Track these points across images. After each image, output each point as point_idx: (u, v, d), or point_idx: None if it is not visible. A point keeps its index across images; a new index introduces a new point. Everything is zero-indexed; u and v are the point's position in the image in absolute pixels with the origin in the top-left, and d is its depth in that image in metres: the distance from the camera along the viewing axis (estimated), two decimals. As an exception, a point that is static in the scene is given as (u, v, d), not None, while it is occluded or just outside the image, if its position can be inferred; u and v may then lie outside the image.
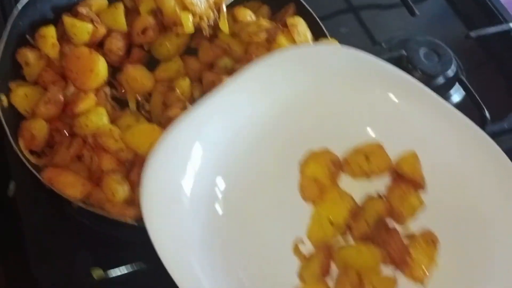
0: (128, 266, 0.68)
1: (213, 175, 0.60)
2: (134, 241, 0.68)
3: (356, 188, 0.63)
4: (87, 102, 0.71)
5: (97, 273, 0.67)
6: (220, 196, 0.60)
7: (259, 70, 0.63)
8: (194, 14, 0.76)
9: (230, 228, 0.58)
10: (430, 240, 0.58)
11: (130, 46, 0.80)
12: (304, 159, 0.64)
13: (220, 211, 0.59)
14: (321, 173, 0.62)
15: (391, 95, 0.65)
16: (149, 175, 0.55)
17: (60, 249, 0.68)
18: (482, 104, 0.85)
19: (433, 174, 0.62)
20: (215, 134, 0.60)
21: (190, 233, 0.54)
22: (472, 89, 0.87)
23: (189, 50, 0.82)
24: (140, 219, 0.64)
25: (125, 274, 0.67)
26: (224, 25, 0.79)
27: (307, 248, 0.60)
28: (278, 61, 0.64)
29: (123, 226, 0.63)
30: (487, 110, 0.84)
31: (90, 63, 0.72)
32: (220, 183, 0.60)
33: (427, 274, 0.57)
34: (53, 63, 0.75)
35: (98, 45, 0.78)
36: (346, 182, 0.64)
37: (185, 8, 0.76)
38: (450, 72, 0.89)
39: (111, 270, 0.67)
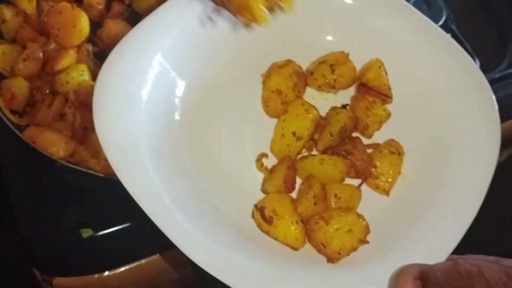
0: (117, 223, 0.68)
1: (173, 78, 0.57)
2: (121, 198, 0.68)
3: (321, 102, 0.61)
4: (68, 59, 0.69)
5: (85, 232, 0.67)
6: (177, 101, 0.57)
7: None
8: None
9: (184, 134, 0.56)
10: (395, 150, 0.58)
11: (110, 0, 0.77)
12: (267, 71, 0.61)
13: (177, 116, 0.57)
14: (284, 85, 0.59)
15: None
16: (107, 71, 0.53)
17: (47, 209, 0.68)
18: (472, 54, 0.83)
19: (399, 84, 0.60)
20: (176, 40, 0.58)
21: (142, 134, 0.52)
22: (462, 39, 0.86)
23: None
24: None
25: (113, 231, 0.67)
26: None
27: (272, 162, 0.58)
28: None
29: (109, 183, 0.63)
30: (478, 59, 0.83)
31: (73, 19, 0.70)
32: (179, 88, 0.58)
33: (392, 184, 0.57)
34: (30, 20, 0.73)
35: (77, 0, 0.76)
36: (311, 95, 0.61)
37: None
38: (440, 22, 0.87)
39: (99, 228, 0.67)
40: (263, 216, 0.53)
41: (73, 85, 0.67)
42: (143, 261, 0.72)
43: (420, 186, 0.56)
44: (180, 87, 0.58)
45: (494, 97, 0.58)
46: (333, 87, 0.61)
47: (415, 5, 0.87)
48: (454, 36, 0.87)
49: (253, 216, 0.54)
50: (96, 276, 0.70)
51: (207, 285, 0.70)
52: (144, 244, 0.72)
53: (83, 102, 0.66)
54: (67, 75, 0.67)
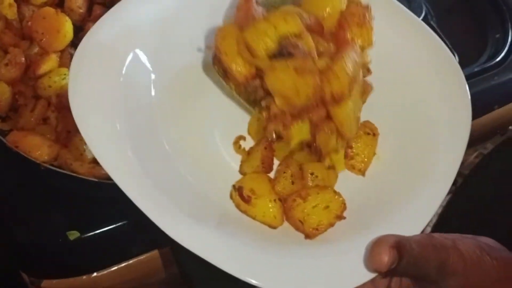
0: (103, 225, 0.68)
1: (150, 56, 0.57)
2: (106, 199, 0.68)
3: None
4: (50, 63, 0.70)
5: (72, 234, 0.67)
6: (153, 76, 0.57)
7: None
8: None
9: (160, 113, 0.56)
10: (370, 131, 0.58)
11: (91, 4, 0.78)
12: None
13: (153, 93, 0.56)
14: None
15: None
16: (86, 43, 0.52)
17: (33, 212, 0.68)
18: (452, 49, 0.85)
19: (375, 69, 0.60)
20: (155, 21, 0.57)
21: (119, 111, 0.52)
22: (442, 34, 0.87)
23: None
24: (108, 178, 0.64)
25: (100, 232, 0.68)
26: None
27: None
28: None
29: (93, 185, 0.63)
30: (457, 55, 0.84)
31: (57, 24, 0.70)
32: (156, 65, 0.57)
33: (367, 164, 0.58)
34: (12, 25, 0.73)
35: (58, 4, 0.76)
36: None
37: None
38: (420, 18, 0.88)
39: (86, 230, 0.67)
40: (241, 195, 0.53)
41: (56, 89, 0.67)
42: (131, 261, 0.73)
43: (394, 166, 0.57)
44: (158, 64, 0.57)
45: (465, 82, 0.60)
46: None
47: (395, 0, 0.89)
48: (434, 31, 0.88)
49: (231, 196, 0.54)
50: (84, 277, 0.71)
51: (194, 285, 0.71)
52: (132, 244, 0.72)
53: (66, 106, 0.66)
54: (49, 79, 0.68)
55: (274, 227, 0.53)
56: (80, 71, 0.51)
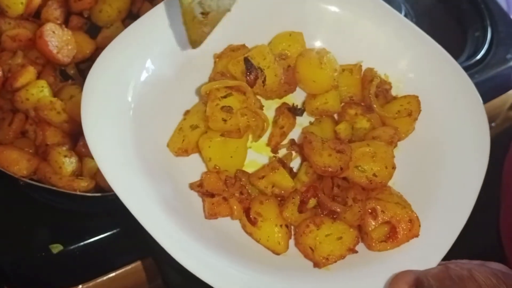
0: (86, 237, 0.68)
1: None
2: (87, 212, 0.68)
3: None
4: (27, 75, 0.69)
5: (55, 247, 0.66)
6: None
7: None
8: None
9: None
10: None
11: (68, 14, 0.77)
12: (220, 52, 0.61)
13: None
14: (231, 69, 0.58)
15: (330, 6, 0.64)
16: (94, 74, 0.53)
17: (15, 226, 0.68)
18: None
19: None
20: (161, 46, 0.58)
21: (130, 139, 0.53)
22: (422, 34, 0.87)
23: (131, 15, 0.80)
24: (88, 191, 0.64)
25: (84, 245, 0.67)
26: None
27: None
28: None
29: (73, 198, 0.63)
30: (437, 54, 0.84)
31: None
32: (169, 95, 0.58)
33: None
34: (-12, 38, 0.72)
35: (35, 16, 0.75)
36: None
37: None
38: (399, 18, 0.89)
39: (69, 243, 0.67)
40: (248, 217, 0.53)
41: (33, 101, 0.67)
42: (115, 273, 0.72)
43: (410, 195, 0.56)
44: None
45: (480, 100, 0.59)
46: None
47: None
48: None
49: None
50: (69, 290, 0.70)
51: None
52: (115, 256, 0.72)
53: (44, 119, 0.66)
54: (27, 92, 0.67)
55: (277, 253, 0.53)
56: (91, 102, 0.51)
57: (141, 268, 0.73)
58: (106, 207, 0.67)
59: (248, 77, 0.57)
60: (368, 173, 0.55)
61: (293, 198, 0.54)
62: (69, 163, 0.64)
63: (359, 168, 0.55)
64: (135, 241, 0.68)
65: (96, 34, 0.78)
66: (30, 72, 0.69)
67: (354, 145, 0.56)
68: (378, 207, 0.53)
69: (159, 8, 0.58)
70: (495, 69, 0.87)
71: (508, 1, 1.03)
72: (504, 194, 0.75)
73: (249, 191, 0.55)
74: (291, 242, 0.54)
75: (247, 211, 0.53)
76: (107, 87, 0.53)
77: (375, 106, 0.61)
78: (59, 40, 0.72)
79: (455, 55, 0.89)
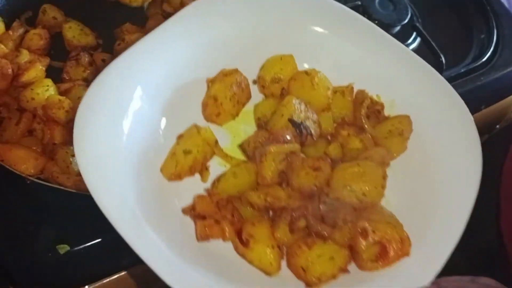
0: (93, 238, 0.67)
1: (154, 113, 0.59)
2: (94, 212, 0.67)
3: None
4: (34, 71, 0.69)
5: (62, 248, 0.66)
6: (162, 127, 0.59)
7: (197, 9, 0.62)
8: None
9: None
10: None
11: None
12: (214, 77, 0.62)
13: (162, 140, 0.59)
14: (223, 93, 0.60)
15: (319, 28, 0.65)
16: (90, 98, 0.54)
17: (22, 226, 0.67)
18: (438, 50, 0.85)
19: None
20: (153, 74, 0.59)
21: (123, 165, 0.53)
22: (427, 36, 0.87)
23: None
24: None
25: (90, 245, 0.67)
26: None
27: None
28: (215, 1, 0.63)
29: (81, 198, 0.62)
30: (443, 56, 0.84)
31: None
32: (163, 121, 0.59)
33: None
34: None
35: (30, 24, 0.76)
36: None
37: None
38: (406, 20, 0.89)
39: (75, 243, 0.66)
40: (240, 238, 0.53)
41: (39, 101, 0.66)
42: (122, 273, 0.72)
43: (401, 213, 0.56)
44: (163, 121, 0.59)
45: (470, 115, 0.61)
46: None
47: (380, 4, 0.90)
48: (420, 33, 0.88)
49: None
50: (75, 291, 0.70)
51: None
52: (122, 256, 0.71)
53: (52, 117, 0.65)
54: (32, 91, 0.67)
55: (270, 274, 0.53)
56: (84, 128, 0.53)
57: (148, 269, 0.72)
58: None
59: (301, 138, 0.58)
60: (357, 193, 0.55)
61: (284, 218, 0.54)
62: (77, 163, 0.63)
63: (348, 188, 0.55)
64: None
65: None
66: (37, 70, 0.69)
67: (345, 165, 0.57)
68: (369, 227, 0.53)
69: (154, 35, 0.59)
70: (501, 71, 0.88)
71: (510, 1, 1.03)
72: (505, 195, 0.75)
73: (241, 213, 0.55)
74: (284, 263, 0.54)
75: (239, 233, 0.53)
76: (100, 115, 0.54)
77: (366, 126, 0.61)
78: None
79: (461, 57, 0.91)
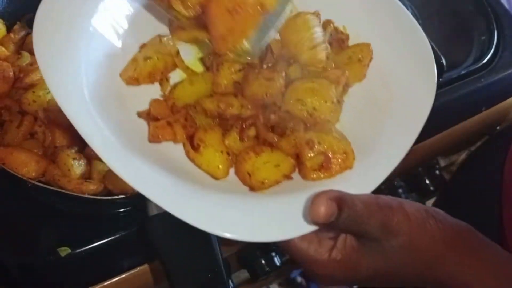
0: (94, 240, 0.67)
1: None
2: (95, 215, 0.67)
3: None
4: (35, 74, 0.69)
5: (63, 250, 0.66)
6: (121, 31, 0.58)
7: None
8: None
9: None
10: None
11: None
12: None
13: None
14: None
15: None
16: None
17: (23, 229, 0.67)
18: (438, 52, 0.85)
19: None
20: None
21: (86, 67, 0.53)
22: (427, 37, 0.87)
23: None
24: (97, 194, 0.64)
25: (92, 247, 0.67)
26: None
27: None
28: None
29: (82, 201, 0.63)
30: (444, 57, 0.84)
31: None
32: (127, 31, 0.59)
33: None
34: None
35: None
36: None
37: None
38: (406, 22, 0.89)
39: (77, 245, 0.66)
40: (191, 143, 0.54)
41: (40, 103, 0.66)
42: (123, 276, 0.72)
43: (353, 138, 0.57)
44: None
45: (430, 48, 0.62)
46: None
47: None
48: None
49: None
50: (77, 293, 0.70)
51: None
52: (123, 259, 0.72)
53: (53, 120, 0.66)
54: (33, 94, 0.67)
55: (216, 178, 0.54)
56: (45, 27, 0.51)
57: (148, 271, 0.73)
58: (114, 210, 0.67)
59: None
60: (308, 107, 0.56)
61: (236, 127, 0.55)
62: (78, 166, 0.63)
63: (300, 102, 0.56)
64: (142, 244, 0.68)
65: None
66: (38, 72, 0.69)
67: (300, 81, 0.58)
68: (315, 138, 0.55)
69: None
70: (501, 72, 0.88)
71: (510, 2, 1.04)
72: (506, 196, 0.75)
73: (195, 121, 0.56)
74: (232, 171, 0.55)
75: (191, 138, 0.54)
76: (61, 11, 0.53)
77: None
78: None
79: (462, 59, 0.91)
